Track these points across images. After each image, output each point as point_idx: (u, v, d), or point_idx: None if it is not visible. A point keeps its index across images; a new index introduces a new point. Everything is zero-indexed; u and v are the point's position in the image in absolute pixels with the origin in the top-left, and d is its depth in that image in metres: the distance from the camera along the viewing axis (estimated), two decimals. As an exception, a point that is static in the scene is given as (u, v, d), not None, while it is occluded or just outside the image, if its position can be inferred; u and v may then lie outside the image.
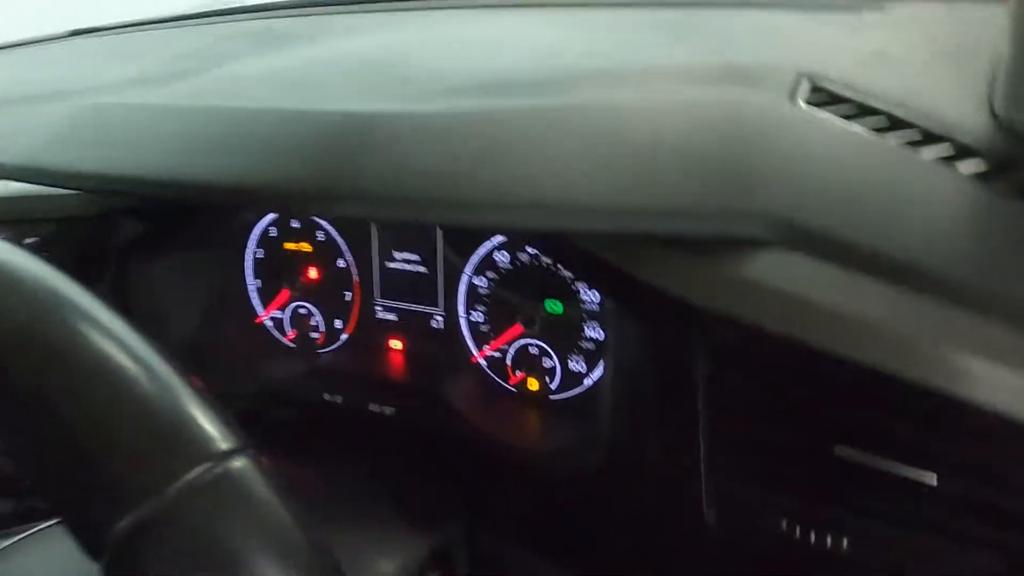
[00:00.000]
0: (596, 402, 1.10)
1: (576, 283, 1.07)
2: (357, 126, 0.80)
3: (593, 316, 1.08)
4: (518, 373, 1.17)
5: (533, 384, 1.16)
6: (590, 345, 1.10)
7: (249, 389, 1.28)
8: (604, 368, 1.08)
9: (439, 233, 1.17)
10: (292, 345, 1.39)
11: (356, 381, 1.25)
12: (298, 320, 1.35)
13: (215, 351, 1.32)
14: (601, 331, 1.08)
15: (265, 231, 1.33)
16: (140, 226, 1.25)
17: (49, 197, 1.14)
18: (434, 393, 1.17)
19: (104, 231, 1.23)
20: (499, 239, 1.11)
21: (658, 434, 0.89)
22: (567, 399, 1.14)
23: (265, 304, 1.37)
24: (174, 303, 1.32)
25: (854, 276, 0.60)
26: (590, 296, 1.07)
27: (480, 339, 1.19)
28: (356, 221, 1.23)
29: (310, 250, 1.30)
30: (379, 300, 1.27)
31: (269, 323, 1.39)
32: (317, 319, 1.34)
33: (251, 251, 1.35)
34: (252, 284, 1.37)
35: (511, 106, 0.77)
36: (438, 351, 1.23)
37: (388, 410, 1.18)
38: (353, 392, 1.23)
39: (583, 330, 1.09)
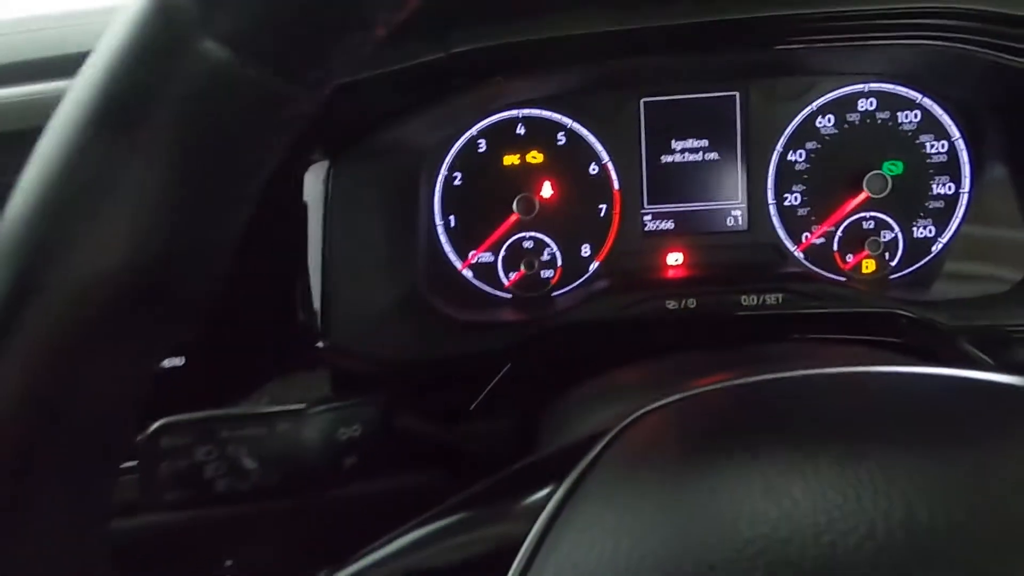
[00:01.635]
0: (941, 271, 0.99)
1: (920, 135, 0.98)
2: None
3: (943, 169, 0.98)
4: (850, 257, 1.00)
5: (869, 265, 1.00)
6: (939, 204, 0.99)
7: (424, 371, 0.89)
8: (960, 224, 0.98)
9: (738, 103, 1.00)
10: (506, 295, 1.05)
11: (618, 325, 0.89)
12: (519, 258, 1.03)
13: (384, 320, 0.92)
14: (952, 184, 0.98)
15: (470, 145, 1.02)
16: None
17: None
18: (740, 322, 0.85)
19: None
20: (825, 99, 0.99)
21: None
22: (908, 275, 1.00)
23: (464, 247, 1.03)
24: (343, 252, 0.93)
25: None
26: (938, 146, 0.98)
27: (797, 227, 1.01)
28: (619, 107, 1.01)
29: (541, 160, 1.02)
30: (649, 207, 1.03)
31: (468, 274, 1.04)
32: (552, 250, 1.04)
33: (441, 177, 1.02)
34: (440, 223, 1.03)
35: None
36: (738, 257, 1.02)
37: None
38: (618, 343, 0.88)
39: (931, 188, 0.99)
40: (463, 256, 1.04)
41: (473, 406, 0.84)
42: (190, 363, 0.80)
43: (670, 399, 0.48)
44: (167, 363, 0.80)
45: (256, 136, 0.33)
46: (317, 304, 0.85)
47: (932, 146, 0.98)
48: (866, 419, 0.47)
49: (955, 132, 0.97)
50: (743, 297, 0.86)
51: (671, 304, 0.86)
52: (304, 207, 0.84)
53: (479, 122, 1.02)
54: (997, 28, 0.81)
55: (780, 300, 0.85)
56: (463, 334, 0.92)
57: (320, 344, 0.85)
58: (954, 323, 0.85)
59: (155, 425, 0.51)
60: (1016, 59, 0.84)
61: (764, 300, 0.85)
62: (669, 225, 1.02)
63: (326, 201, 0.84)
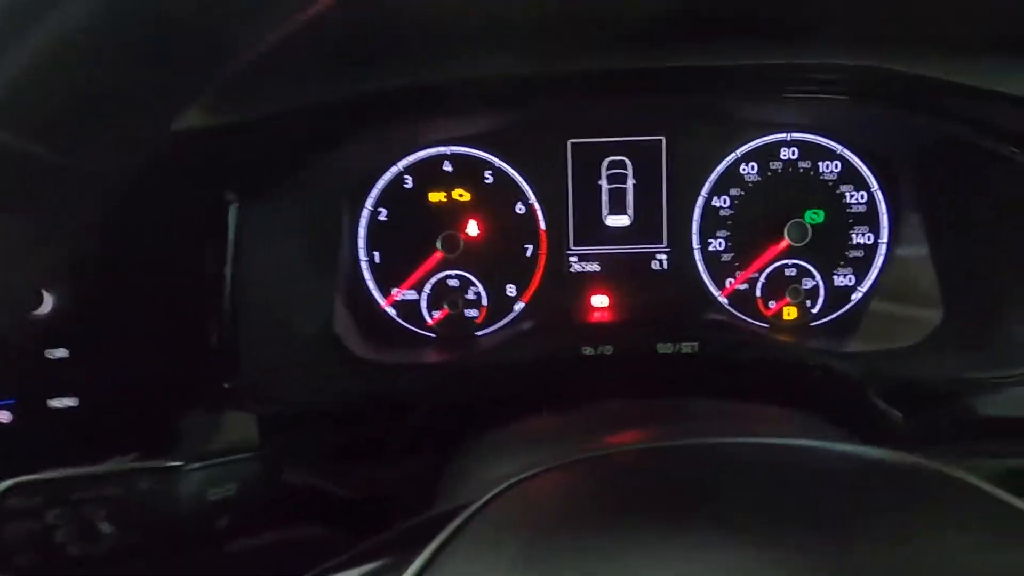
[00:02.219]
0: (861, 320, 1.00)
1: (841, 185, 0.99)
2: None
3: (862, 219, 1.00)
4: (772, 304, 1.01)
5: (791, 312, 1.01)
6: (858, 253, 1.00)
7: (353, 405, 0.85)
8: (879, 274, 0.99)
9: (664, 149, 1.01)
10: (430, 335, 1.03)
11: (539, 369, 0.86)
12: (443, 296, 1.02)
13: (301, 355, 0.90)
14: (871, 234, 1.00)
15: (396, 180, 1.01)
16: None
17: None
18: (665, 365, 0.84)
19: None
20: (748, 147, 1.00)
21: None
22: (829, 322, 1.01)
23: (387, 284, 1.02)
24: (261, 284, 0.91)
25: None
26: (857, 196, 0.99)
27: (721, 272, 1.02)
28: (547, 147, 1.00)
29: (468, 198, 1.01)
30: (575, 248, 1.02)
31: (391, 311, 1.03)
32: (477, 290, 1.02)
33: (366, 212, 1.01)
34: (364, 259, 1.02)
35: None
36: (663, 300, 1.02)
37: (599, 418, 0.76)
38: (537, 386, 0.84)
39: (851, 238, 1.00)
40: (386, 293, 1.02)
41: (385, 450, 0.82)
42: (84, 405, 0.76)
43: (535, 471, 0.47)
44: (58, 403, 0.76)
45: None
46: (225, 344, 0.82)
47: (852, 196, 0.99)
48: (739, 495, 0.46)
49: (874, 183, 0.99)
50: (659, 344, 0.86)
51: (587, 350, 0.85)
52: (215, 246, 0.81)
53: (406, 158, 1.01)
54: (908, 86, 0.82)
55: (696, 348, 0.85)
56: (378, 375, 0.90)
57: (227, 385, 0.83)
58: (867, 375, 0.85)
59: (2, 486, 0.48)
60: (925, 115, 0.86)
61: (680, 348, 0.85)
62: (595, 267, 1.02)
63: (237, 240, 0.82)
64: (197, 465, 0.54)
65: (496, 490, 0.48)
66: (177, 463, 0.54)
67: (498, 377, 0.88)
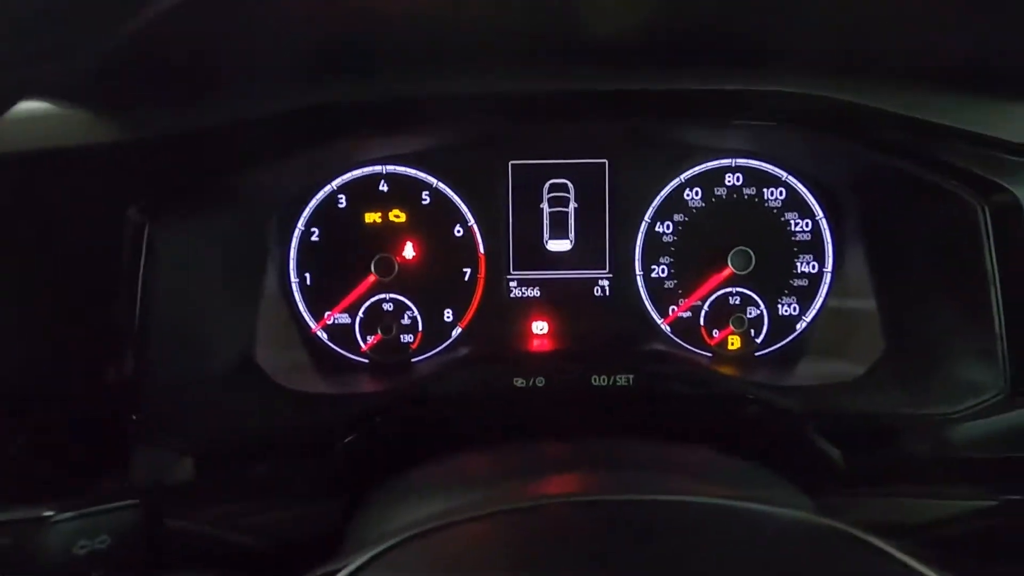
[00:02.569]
0: (805, 351, 0.98)
1: (786, 213, 0.97)
2: None
3: (807, 248, 0.98)
4: (716, 333, 0.99)
5: (735, 341, 0.99)
6: (803, 282, 0.98)
7: (277, 439, 0.80)
8: (823, 304, 0.97)
9: (607, 172, 0.98)
10: (363, 360, 0.99)
11: (472, 400, 0.83)
12: (378, 320, 0.98)
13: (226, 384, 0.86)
14: (816, 263, 0.98)
15: (329, 199, 0.97)
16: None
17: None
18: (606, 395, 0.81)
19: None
20: (693, 172, 0.97)
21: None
22: (774, 352, 0.99)
23: (319, 307, 0.97)
24: (184, 304, 0.86)
25: None
26: (802, 224, 0.98)
27: (663, 300, 0.99)
28: (487, 168, 0.97)
29: (404, 219, 0.98)
30: (515, 273, 0.99)
31: (322, 335, 0.99)
32: (413, 314, 0.99)
33: (298, 232, 0.97)
34: (295, 281, 0.98)
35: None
36: (604, 328, 0.99)
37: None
38: (469, 419, 0.81)
39: (795, 266, 0.98)
40: (318, 317, 0.98)
41: (299, 489, 0.77)
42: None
43: (426, 527, 0.43)
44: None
45: None
46: (131, 370, 0.78)
47: (797, 224, 0.97)
48: (641, 556, 0.43)
49: (819, 211, 0.97)
50: (594, 377, 0.82)
51: (519, 382, 0.82)
52: (119, 266, 0.77)
53: (340, 176, 0.97)
54: (852, 116, 0.80)
55: (631, 381, 0.82)
56: (301, 406, 0.86)
57: (134, 417, 0.78)
58: (807, 410, 0.83)
59: None
60: (870, 146, 0.84)
61: (615, 380, 0.82)
62: (535, 292, 0.99)
63: (145, 259, 0.77)
64: (68, 515, 0.50)
65: (385, 545, 0.45)
66: (46, 513, 0.50)
67: (430, 408, 0.84)
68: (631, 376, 0.82)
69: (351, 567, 0.42)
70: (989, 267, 0.79)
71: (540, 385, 0.82)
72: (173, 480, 0.77)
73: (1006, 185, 0.77)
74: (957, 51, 0.80)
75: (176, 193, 0.81)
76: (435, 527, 0.44)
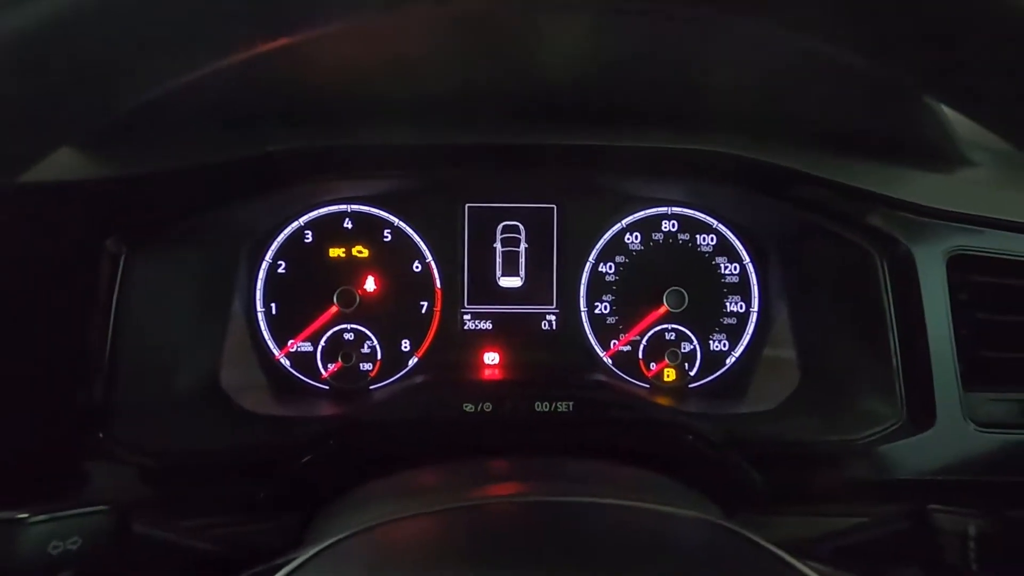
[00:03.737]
0: (734, 383, 1.07)
1: (716, 257, 1.07)
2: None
3: (735, 289, 1.08)
4: (653, 365, 1.07)
5: (671, 374, 1.07)
6: (732, 320, 1.08)
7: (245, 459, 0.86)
8: (751, 340, 1.07)
9: (555, 216, 1.07)
10: (324, 387, 1.05)
11: (425, 424, 0.88)
12: (338, 349, 1.04)
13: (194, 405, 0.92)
14: (743, 303, 1.08)
15: (296, 235, 1.04)
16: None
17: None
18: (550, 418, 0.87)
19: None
20: (633, 218, 1.07)
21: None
22: (706, 385, 1.08)
23: (283, 336, 1.04)
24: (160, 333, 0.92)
25: None
26: (731, 268, 1.08)
27: (605, 334, 1.07)
28: (445, 210, 1.05)
29: (366, 254, 1.05)
30: (468, 307, 1.07)
31: (285, 362, 1.04)
32: (372, 344, 1.05)
33: (265, 264, 1.03)
34: (261, 310, 1.04)
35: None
36: (551, 359, 1.07)
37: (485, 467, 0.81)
38: (422, 441, 0.86)
39: (725, 306, 1.08)
40: (281, 344, 1.04)
41: (260, 503, 0.82)
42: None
43: (354, 530, 0.49)
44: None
45: None
46: (100, 392, 0.82)
47: (726, 267, 1.07)
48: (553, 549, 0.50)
49: (746, 256, 1.07)
50: (537, 403, 0.90)
51: (468, 407, 0.89)
52: (94, 295, 0.82)
53: (307, 213, 1.04)
54: (772, 175, 0.91)
55: (571, 407, 0.90)
56: (263, 427, 0.91)
57: (101, 435, 0.82)
58: (733, 437, 0.91)
59: None
60: (787, 201, 0.94)
61: (556, 407, 0.89)
62: (487, 325, 1.06)
63: (120, 288, 0.82)
64: (42, 517, 0.54)
65: (333, 539, 0.51)
66: (21, 515, 0.55)
67: (386, 431, 0.90)
68: (571, 403, 0.90)
69: (300, 559, 0.48)
70: (887, 311, 0.90)
71: (488, 410, 0.89)
72: (138, 494, 0.82)
73: (902, 240, 0.88)
74: (864, 115, 0.92)
75: (152, 227, 0.87)
76: (381, 523, 0.51)
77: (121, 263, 0.83)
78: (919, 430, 0.87)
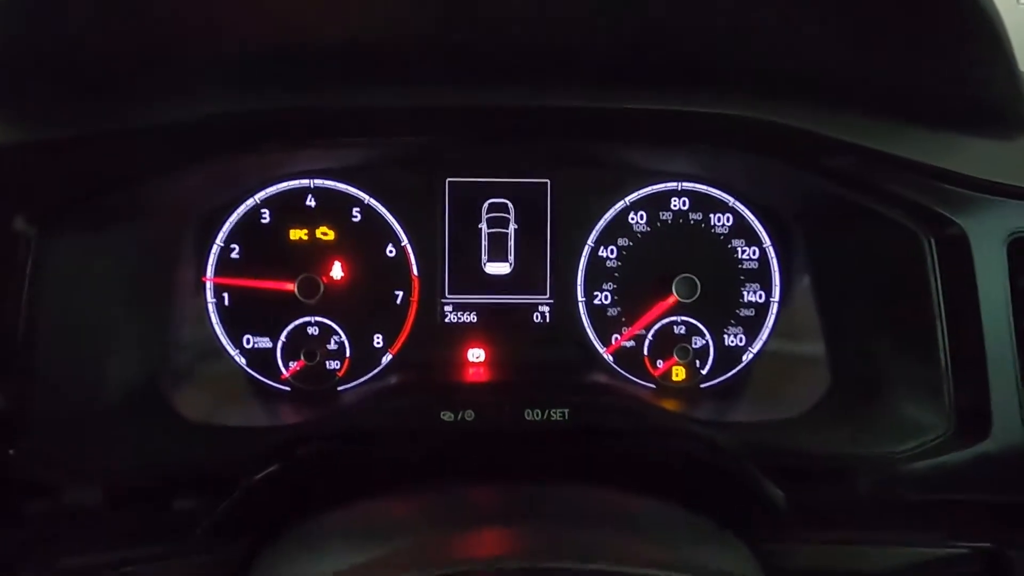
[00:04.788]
0: (749, 384, 0.95)
1: (732, 240, 0.94)
2: None
3: (754, 276, 0.95)
4: (660, 363, 0.95)
5: (680, 373, 0.95)
6: (749, 312, 0.95)
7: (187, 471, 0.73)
8: (770, 335, 0.94)
9: (548, 193, 0.93)
10: (285, 388, 0.92)
11: (398, 435, 0.75)
12: (300, 345, 0.91)
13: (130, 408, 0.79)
14: (763, 292, 0.95)
15: (252, 214, 0.91)
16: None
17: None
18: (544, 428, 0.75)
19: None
20: (638, 195, 0.93)
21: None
22: (718, 385, 0.95)
23: (237, 330, 0.91)
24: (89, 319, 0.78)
25: None
26: (749, 252, 0.94)
27: (606, 328, 0.95)
28: (422, 185, 0.92)
29: (332, 237, 0.92)
30: (450, 297, 0.94)
31: (240, 361, 0.92)
32: (340, 339, 0.92)
33: (216, 248, 0.90)
34: (211, 301, 0.91)
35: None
36: (544, 357, 0.94)
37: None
38: (393, 456, 0.74)
39: (742, 296, 0.95)
40: (235, 340, 0.91)
41: (198, 532, 0.70)
42: None
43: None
44: None
45: None
46: (10, 399, 0.70)
47: (743, 251, 0.94)
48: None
49: (766, 239, 0.94)
50: (527, 411, 0.77)
51: (447, 416, 0.76)
52: (5, 281, 0.69)
53: (264, 189, 0.90)
54: (797, 142, 0.77)
55: (566, 415, 0.77)
56: (209, 439, 0.78)
57: (10, 452, 0.69)
58: (751, 448, 0.78)
59: None
60: (815, 174, 0.81)
61: (549, 415, 0.77)
62: (471, 318, 0.93)
63: (31, 276, 0.69)
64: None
65: None
66: None
67: (352, 445, 0.78)
68: (566, 411, 0.77)
69: None
70: (936, 302, 0.76)
71: (469, 419, 0.76)
72: (66, 519, 0.69)
73: (955, 220, 0.75)
74: (899, 79, 0.78)
75: (72, 203, 0.73)
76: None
77: (32, 247, 0.69)
78: (971, 441, 0.74)
